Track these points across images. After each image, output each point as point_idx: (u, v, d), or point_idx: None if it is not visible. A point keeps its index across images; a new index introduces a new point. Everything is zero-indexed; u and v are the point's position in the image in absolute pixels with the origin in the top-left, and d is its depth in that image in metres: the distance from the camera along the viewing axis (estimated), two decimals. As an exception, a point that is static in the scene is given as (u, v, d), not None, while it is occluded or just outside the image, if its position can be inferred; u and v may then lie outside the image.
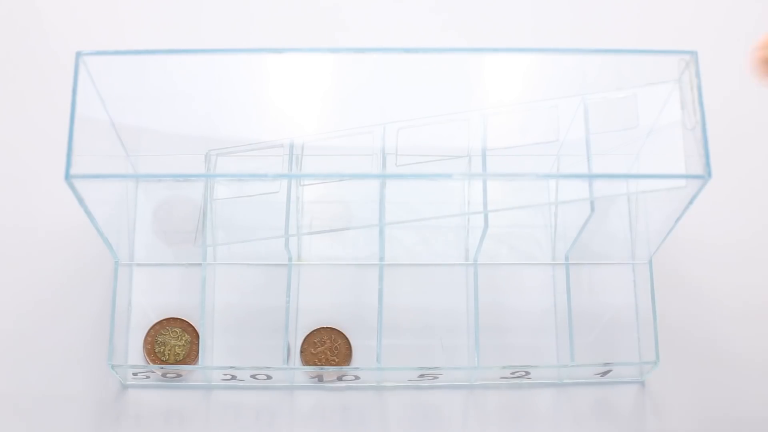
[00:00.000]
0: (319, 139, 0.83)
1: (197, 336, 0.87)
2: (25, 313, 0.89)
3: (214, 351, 0.88)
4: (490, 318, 0.88)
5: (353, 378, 0.87)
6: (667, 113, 0.77)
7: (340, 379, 0.87)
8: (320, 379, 0.87)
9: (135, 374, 0.86)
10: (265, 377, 0.86)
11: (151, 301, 0.89)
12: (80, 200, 0.74)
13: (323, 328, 0.88)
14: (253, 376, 0.86)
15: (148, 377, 0.87)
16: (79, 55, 0.74)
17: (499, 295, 0.89)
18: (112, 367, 0.85)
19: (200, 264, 0.88)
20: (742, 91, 0.95)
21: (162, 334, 0.88)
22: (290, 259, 0.88)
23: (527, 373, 0.86)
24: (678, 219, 0.79)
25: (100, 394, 0.87)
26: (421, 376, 0.86)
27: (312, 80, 0.78)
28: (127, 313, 0.88)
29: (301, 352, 0.88)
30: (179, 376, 0.87)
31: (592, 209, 0.79)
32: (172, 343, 0.88)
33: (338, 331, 0.88)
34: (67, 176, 0.72)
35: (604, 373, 0.87)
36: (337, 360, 0.87)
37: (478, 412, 0.87)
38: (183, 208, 0.90)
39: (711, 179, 0.72)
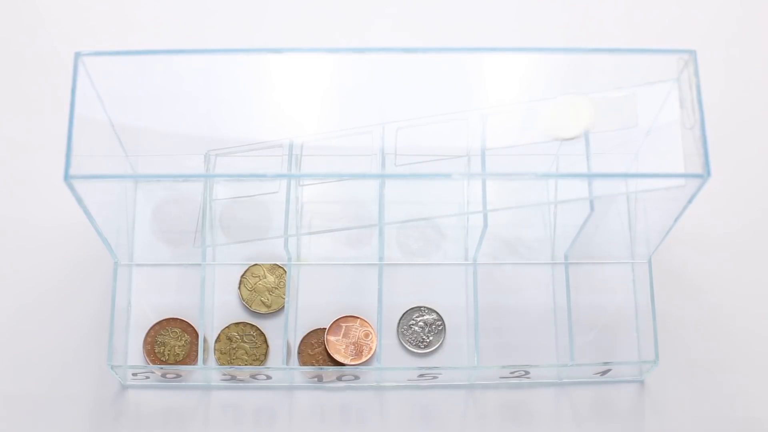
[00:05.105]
0: (319, 139, 0.83)
1: (197, 336, 0.87)
2: (24, 314, 0.89)
3: (214, 351, 0.88)
4: (490, 318, 0.88)
5: (353, 378, 0.87)
6: (666, 112, 0.77)
7: (339, 379, 0.87)
8: (319, 379, 0.87)
9: (134, 374, 0.86)
10: (265, 377, 0.86)
11: (150, 301, 0.89)
12: (79, 200, 0.74)
13: (321, 329, 0.88)
14: (253, 376, 0.86)
15: (147, 377, 0.86)
16: (78, 55, 0.74)
17: (499, 295, 0.89)
18: (112, 367, 0.84)
19: (200, 264, 0.88)
20: (741, 91, 0.95)
21: (162, 334, 0.88)
22: (290, 259, 0.88)
23: (527, 372, 0.86)
24: (677, 218, 0.79)
25: (99, 394, 0.87)
26: (421, 375, 0.86)
27: (312, 80, 0.78)
28: (127, 313, 0.88)
29: (299, 353, 0.88)
30: (179, 376, 0.87)
31: (592, 209, 0.79)
32: (172, 344, 0.88)
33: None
34: (67, 177, 0.72)
35: (604, 373, 0.87)
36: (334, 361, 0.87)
37: (478, 412, 0.87)
38: (183, 208, 0.90)
39: (710, 178, 0.72)
